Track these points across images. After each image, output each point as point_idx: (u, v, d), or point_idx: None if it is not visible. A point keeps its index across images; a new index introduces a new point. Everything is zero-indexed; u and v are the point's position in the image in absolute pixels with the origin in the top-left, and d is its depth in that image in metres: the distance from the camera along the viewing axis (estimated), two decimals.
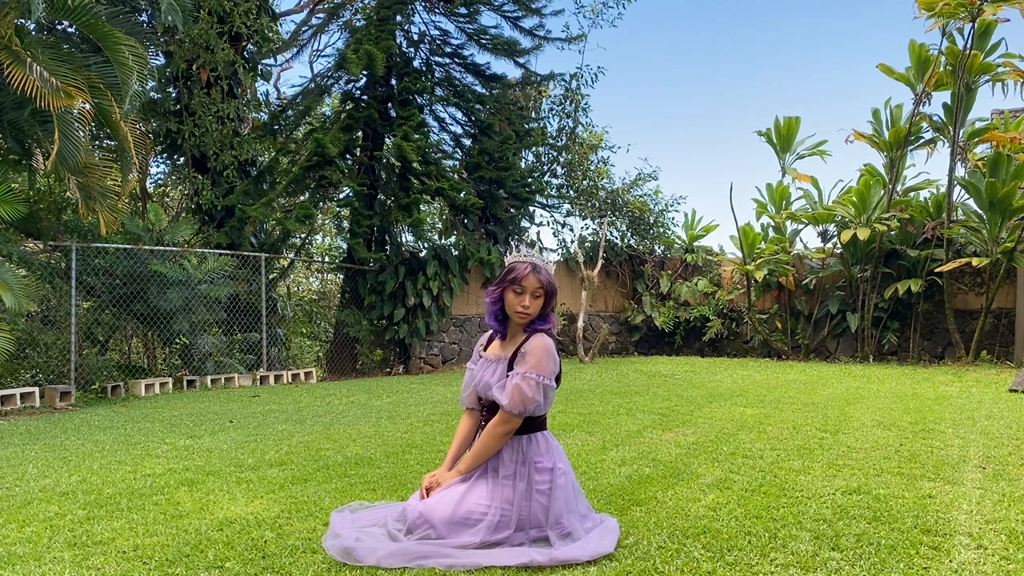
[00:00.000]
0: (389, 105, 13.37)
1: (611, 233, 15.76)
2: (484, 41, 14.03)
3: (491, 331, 3.21)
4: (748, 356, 14.05)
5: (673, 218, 16.43)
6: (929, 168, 63.73)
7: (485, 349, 3.19)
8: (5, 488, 4.19)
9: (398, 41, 13.27)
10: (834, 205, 12.93)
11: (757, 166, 41.45)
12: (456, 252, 13.18)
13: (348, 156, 13.38)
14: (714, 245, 16.29)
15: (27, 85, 7.18)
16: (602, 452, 4.91)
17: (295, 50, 14.67)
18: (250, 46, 13.01)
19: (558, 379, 3.04)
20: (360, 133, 13.42)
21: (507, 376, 2.96)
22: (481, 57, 14.45)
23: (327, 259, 18.23)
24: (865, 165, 12.89)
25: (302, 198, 13.24)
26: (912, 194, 12.74)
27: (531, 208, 14.98)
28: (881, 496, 3.67)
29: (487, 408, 3.07)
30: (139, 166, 9.75)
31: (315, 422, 6.68)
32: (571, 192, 15.95)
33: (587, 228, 16.05)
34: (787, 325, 13.60)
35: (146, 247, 10.25)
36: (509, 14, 14.10)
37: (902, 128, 12.11)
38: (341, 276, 15.58)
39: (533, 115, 15.30)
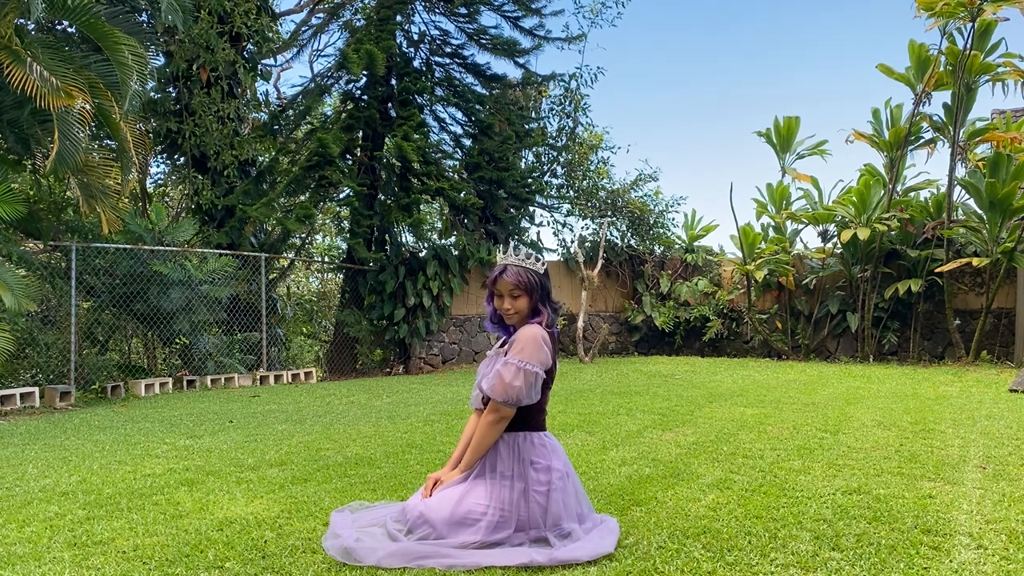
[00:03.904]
0: (389, 105, 13.37)
1: (611, 233, 15.76)
2: (484, 41, 14.04)
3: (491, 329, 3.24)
4: (748, 356, 14.05)
5: (673, 218, 16.45)
6: (929, 168, 63.68)
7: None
8: (5, 488, 4.19)
9: (398, 41, 13.28)
10: (834, 205, 12.92)
11: (757, 166, 41.47)
12: (456, 252, 13.18)
13: (348, 156, 13.39)
14: (714, 245, 16.30)
15: (27, 85, 7.18)
16: (602, 452, 4.91)
17: (295, 50, 14.68)
18: (250, 46, 13.00)
19: (551, 372, 3.02)
20: (360, 133, 13.42)
21: None
22: (481, 57, 14.48)
23: (327, 259, 18.23)
24: (865, 165, 12.89)
25: (302, 198, 13.24)
26: (912, 194, 12.74)
27: (531, 208, 14.98)
28: (881, 496, 3.67)
29: (486, 404, 3.08)
30: (139, 166, 9.76)
31: (315, 422, 6.68)
32: (571, 192, 15.95)
33: (587, 228, 16.07)
34: (787, 325, 13.59)
35: (146, 247, 10.25)
36: (509, 14, 14.11)
37: (902, 128, 12.11)
38: (341, 276, 15.58)
39: (533, 115, 15.30)
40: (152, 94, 11.42)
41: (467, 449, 3.13)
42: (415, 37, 14.03)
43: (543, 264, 3.10)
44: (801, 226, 13.89)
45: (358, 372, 13.11)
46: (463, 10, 13.72)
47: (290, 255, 15.24)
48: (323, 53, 22.42)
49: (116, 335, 11.47)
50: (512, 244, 3.24)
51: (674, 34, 32.91)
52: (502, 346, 3.18)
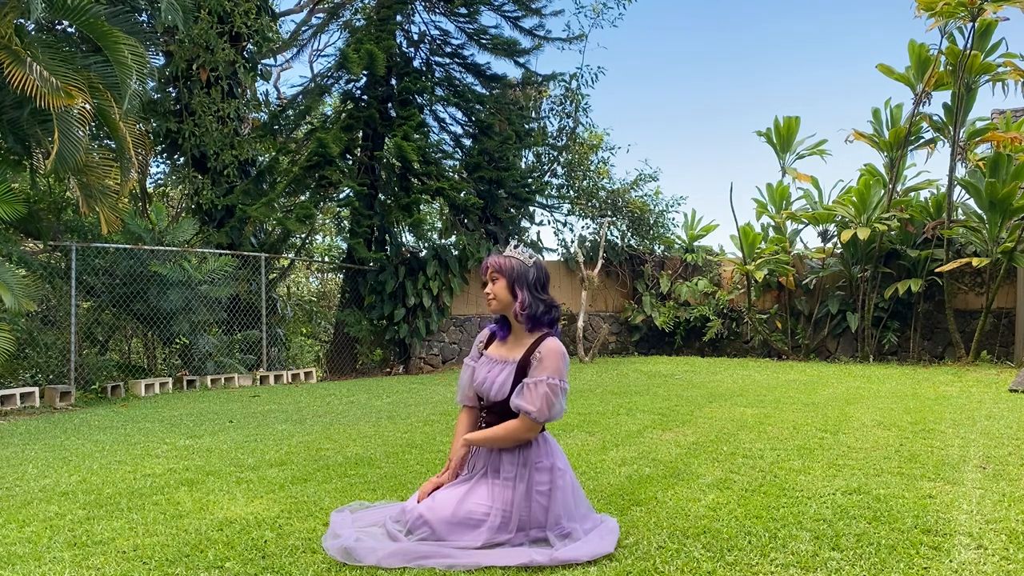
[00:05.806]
0: (389, 105, 13.37)
1: (611, 233, 15.75)
2: (484, 41, 14.03)
3: (490, 329, 3.20)
4: (748, 356, 14.05)
5: (673, 218, 16.45)
6: (929, 168, 63.53)
7: (486, 348, 3.18)
8: (5, 488, 4.18)
9: (398, 41, 13.28)
10: (834, 205, 12.92)
11: (757, 166, 41.47)
12: (456, 252, 13.18)
13: (348, 156, 13.39)
14: (714, 245, 16.30)
15: (27, 85, 7.18)
16: (602, 452, 4.91)
17: (295, 50, 14.69)
18: (250, 46, 13.00)
19: None
20: (360, 133, 13.42)
21: (523, 382, 2.93)
22: (481, 57, 14.49)
23: (327, 259, 18.22)
24: (865, 165, 12.89)
25: (302, 198, 13.24)
26: (912, 194, 12.73)
27: (531, 208, 14.98)
28: (881, 496, 3.67)
29: (487, 409, 3.06)
30: (139, 166, 9.76)
31: (315, 422, 6.68)
32: (571, 192, 15.95)
33: (587, 228, 16.06)
34: (787, 325, 13.59)
35: (146, 247, 10.25)
36: (509, 14, 14.11)
37: (902, 128, 12.11)
38: (341, 276, 15.58)
39: (533, 115, 15.29)
40: (152, 94, 11.40)
41: (461, 447, 3.10)
42: (415, 37, 14.03)
43: (533, 258, 3.08)
44: (801, 226, 13.89)
45: (358, 372, 13.10)
46: (463, 10, 13.72)
47: (290, 255, 15.23)
48: (323, 53, 22.44)
49: (116, 335, 11.48)
50: (513, 242, 3.24)
51: (675, 34, 32.93)
52: (487, 347, 3.17)
